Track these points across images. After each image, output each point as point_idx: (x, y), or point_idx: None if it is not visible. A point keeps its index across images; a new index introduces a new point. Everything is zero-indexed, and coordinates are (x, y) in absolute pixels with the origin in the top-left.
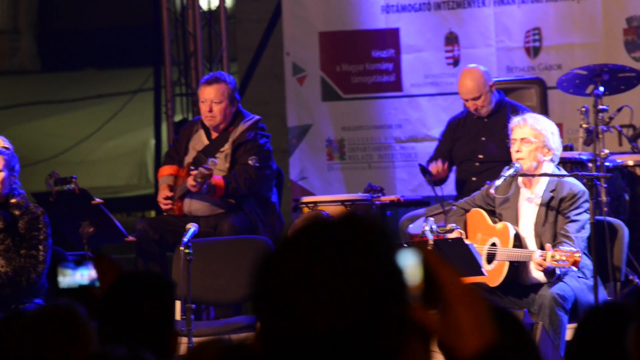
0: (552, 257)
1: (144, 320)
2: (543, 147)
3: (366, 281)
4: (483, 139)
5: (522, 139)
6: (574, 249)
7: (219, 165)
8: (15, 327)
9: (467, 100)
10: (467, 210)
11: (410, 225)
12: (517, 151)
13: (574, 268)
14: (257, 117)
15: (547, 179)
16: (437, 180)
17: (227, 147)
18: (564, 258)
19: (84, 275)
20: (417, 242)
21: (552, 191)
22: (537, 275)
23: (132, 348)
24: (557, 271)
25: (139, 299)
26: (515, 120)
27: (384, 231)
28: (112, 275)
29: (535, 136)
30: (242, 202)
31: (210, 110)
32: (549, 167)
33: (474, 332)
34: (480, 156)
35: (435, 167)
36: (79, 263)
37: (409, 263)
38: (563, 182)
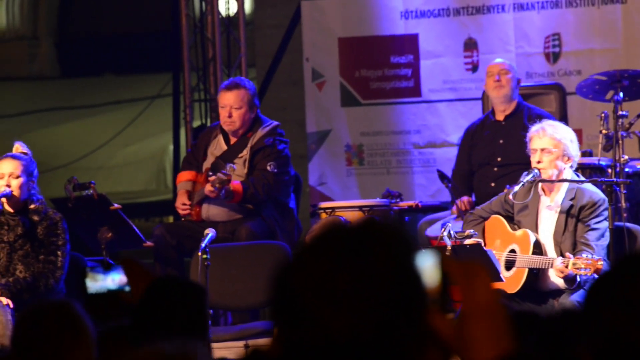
0: (574, 264)
1: (178, 327)
2: (563, 155)
3: (387, 288)
4: (501, 141)
5: (542, 149)
6: (596, 257)
7: (238, 170)
8: (14, 323)
9: (491, 74)
10: (484, 218)
11: (428, 229)
12: (539, 161)
13: (596, 276)
14: (275, 122)
15: (566, 187)
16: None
17: (245, 153)
18: (585, 266)
19: (115, 280)
20: (436, 248)
21: (571, 199)
22: (557, 281)
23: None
24: (578, 278)
25: (173, 306)
26: (533, 130)
27: (404, 237)
28: (142, 280)
29: (555, 146)
30: (260, 208)
31: (230, 116)
32: (568, 174)
33: (487, 344)
34: (499, 159)
35: (462, 205)
36: (108, 267)
37: (427, 265)
38: (583, 190)
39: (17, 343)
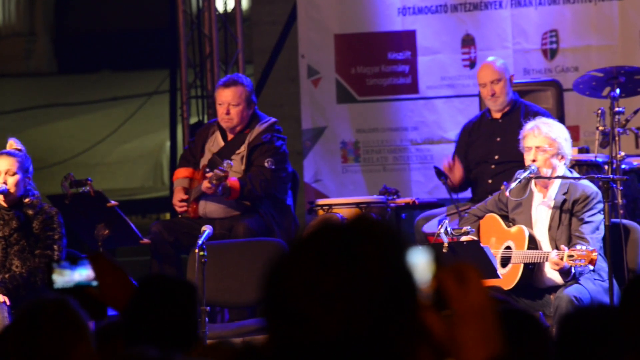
0: (570, 256)
1: (169, 325)
2: (557, 154)
3: (377, 287)
4: (498, 139)
5: (537, 147)
6: (590, 248)
7: (235, 167)
8: (12, 321)
9: (484, 86)
10: (479, 217)
11: (425, 225)
12: (533, 160)
13: (591, 266)
14: (273, 119)
15: (559, 182)
16: (456, 187)
17: (242, 149)
18: (580, 257)
19: (82, 274)
20: (433, 245)
21: (564, 194)
22: (553, 276)
23: (167, 350)
24: (573, 270)
25: (164, 304)
26: (528, 128)
27: (396, 236)
28: (111, 275)
29: (550, 144)
30: (258, 205)
31: (228, 113)
32: (562, 170)
33: (478, 345)
34: (496, 157)
35: (447, 164)
36: (75, 262)
37: (421, 262)
38: (575, 184)
39: (17, 341)
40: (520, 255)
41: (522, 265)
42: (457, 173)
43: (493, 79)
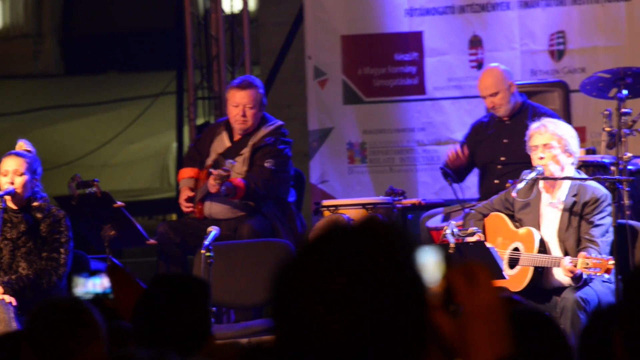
0: (584, 264)
1: (181, 323)
2: (565, 151)
3: (383, 289)
4: (505, 141)
5: (544, 145)
6: (606, 257)
7: (237, 168)
8: (26, 320)
9: (484, 98)
10: (485, 215)
11: (429, 221)
12: (541, 158)
13: (606, 275)
14: (279, 122)
15: (568, 184)
16: (456, 174)
17: (246, 151)
18: (595, 265)
19: (97, 284)
20: (440, 245)
21: (574, 196)
22: (561, 279)
23: (161, 349)
24: (584, 276)
25: (176, 302)
26: (534, 127)
27: (404, 238)
28: (128, 288)
29: (557, 141)
30: (261, 205)
31: (244, 115)
32: (570, 171)
33: (487, 345)
34: (503, 158)
35: (454, 152)
36: (93, 273)
37: (430, 263)
38: (585, 186)
39: (31, 340)
40: (530, 258)
41: (531, 267)
42: (463, 160)
43: (492, 92)
